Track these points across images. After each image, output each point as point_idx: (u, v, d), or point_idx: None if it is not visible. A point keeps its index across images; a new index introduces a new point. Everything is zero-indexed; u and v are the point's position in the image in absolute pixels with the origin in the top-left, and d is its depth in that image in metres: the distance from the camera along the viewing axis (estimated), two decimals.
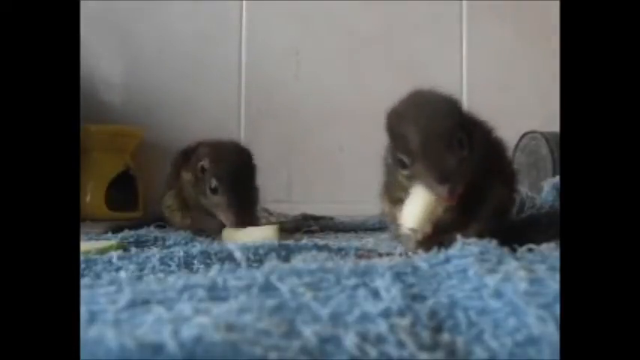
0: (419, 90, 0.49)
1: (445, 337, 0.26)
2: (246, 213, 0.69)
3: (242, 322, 0.24)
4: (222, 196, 0.67)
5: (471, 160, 0.45)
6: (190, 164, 0.72)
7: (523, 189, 0.71)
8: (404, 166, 0.47)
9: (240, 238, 0.64)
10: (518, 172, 0.98)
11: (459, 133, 0.45)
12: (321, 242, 0.57)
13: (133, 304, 0.28)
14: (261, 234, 0.64)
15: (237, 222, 0.66)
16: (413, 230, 0.47)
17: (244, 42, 1.28)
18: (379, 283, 0.30)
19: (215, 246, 0.56)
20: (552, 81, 1.28)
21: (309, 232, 0.84)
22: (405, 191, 0.48)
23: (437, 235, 0.46)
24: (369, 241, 0.69)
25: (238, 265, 0.47)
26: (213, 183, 0.67)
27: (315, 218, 0.94)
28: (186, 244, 0.62)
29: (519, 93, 1.33)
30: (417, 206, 0.47)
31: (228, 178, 0.67)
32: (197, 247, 0.53)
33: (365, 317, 0.26)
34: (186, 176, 0.72)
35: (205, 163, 0.69)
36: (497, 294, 0.29)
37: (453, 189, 0.44)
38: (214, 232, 0.69)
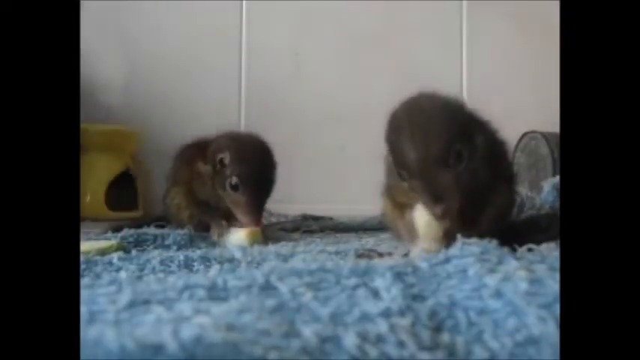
0: (418, 96, 0.48)
1: (445, 337, 0.26)
2: (262, 212, 0.69)
3: (242, 322, 0.24)
4: (243, 195, 0.66)
5: (471, 169, 0.45)
6: (208, 156, 0.70)
7: (523, 189, 0.71)
8: (403, 178, 0.46)
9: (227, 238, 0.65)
10: (518, 173, 0.98)
11: (458, 144, 0.44)
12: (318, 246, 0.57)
13: (133, 304, 0.28)
14: (238, 237, 0.65)
15: (254, 222, 0.66)
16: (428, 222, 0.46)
17: (244, 42, 1.28)
18: (379, 283, 0.30)
19: (215, 250, 0.56)
20: (552, 81, 1.28)
21: (309, 232, 0.84)
22: (406, 194, 0.48)
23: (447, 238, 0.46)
24: (368, 241, 0.69)
25: (238, 265, 0.47)
26: (234, 180, 0.66)
27: (315, 218, 0.94)
28: (185, 244, 0.62)
29: (519, 93, 1.33)
30: (424, 222, 0.47)
31: (249, 177, 0.66)
32: (197, 251, 0.53)
33: (365, 317, 0.26)
34: (203, 168, 0.70)
35: (225, 156, 0.67)
36: (497, 294, 0.29)
37: (448, 209, 0.43)
38: (219, 227, 0.69)
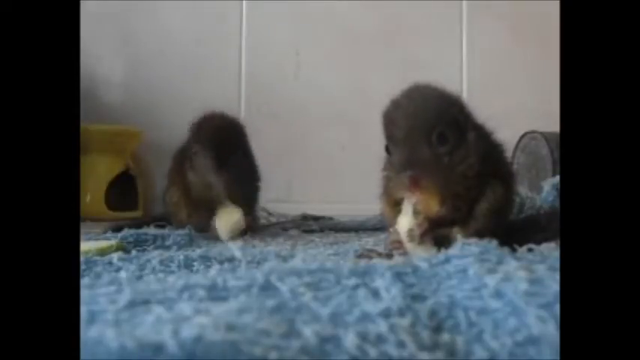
0: (420, 84, 0.50)
1: (445, 337, 0.26)
2: (223, 167, 0.69)
3: (242, 322, 0.24)
4: (201, 154, 0.68)
5: (451, 157, 0.46)
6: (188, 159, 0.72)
7: (523, 189, 0.71)
8: (388, 152, 0.49)
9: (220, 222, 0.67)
10: (518, 173, 0.98)
11: (442, 128, 0.46)
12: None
13: (133, 304, 0.28)
14: (219, 225, 0.67)
15: (212, 171, 0.67)
16: (410, 230, 0.48)
17: (244, 42, 1.28)
18: (379, 283, 0.30)
19: (215, 249, 0.56)
20: (552, 81, 1.28)
21: (309, 232, 0.85)
22: (400, 190, 0.49)
23: (433, 230, 0.48)
24: (368, 241, 0.69)
25: (238, 264, 0.47)
26: (194, 148, 0.69)
27: (315, 218, 0.94)
28: (185, 245, 0.62)
29: (519, 93, 1.33)
30: (409, 211, 0.49)
31: (205, 137, 0.69)
32: (197, 251, 0.53)
33: (365, 317, 0.26)
34: (191, 176, 0.72)
35: (191, 134, 0.71)
36: (497, 294, 0.29)
37: (415, 178, 0.45)
38: (213, 229, 0.69)
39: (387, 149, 0.49)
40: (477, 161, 0.47)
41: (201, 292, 0.29)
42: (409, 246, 0.48)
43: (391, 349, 0.24)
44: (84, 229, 0.71)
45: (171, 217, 0.77)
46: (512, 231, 0.52)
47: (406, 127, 0.46)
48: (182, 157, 0.75)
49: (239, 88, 1.28)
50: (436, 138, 0.46)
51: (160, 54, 1.25)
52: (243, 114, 1.27)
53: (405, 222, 0.49)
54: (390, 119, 0.48)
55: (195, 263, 0.49)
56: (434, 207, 0.48)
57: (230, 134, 0.71)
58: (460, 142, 0.47)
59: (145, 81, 1.24)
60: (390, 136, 0.48)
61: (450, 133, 0.47)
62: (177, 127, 1.13)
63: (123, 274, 0.40)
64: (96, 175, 1.07)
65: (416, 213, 0.48)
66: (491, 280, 0.29)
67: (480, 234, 0.39)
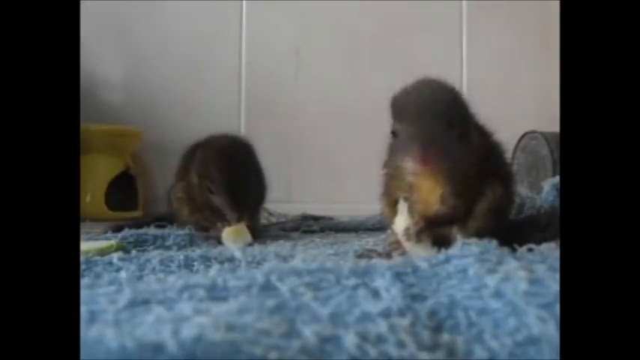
0: (429, 77, 0.50)
1: (445, 337, 0.26)
2: (249, 208, 0.71)
3: (242, 322, 0.24)
4: (219, 197, 0.69)
5: (460, 143, 0.46)
6: (193, 166, 0.73)
7: (523, 189, 0.71)
8: (395, 135, 0.48)
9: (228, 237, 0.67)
10: (518, 173, 0.98)
11: (453, 114, 0.46)
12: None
13: (133, 304, 0.28)
14: (225, 234, 0.67)
15: (236, 219, 0.68)
16: (406, 229, 0.48)
17: (244, 42, 1.28)
18: (379, 283, 0.30)
19: (215, 249, 0.56)
20: (552, 81, 1.28)
21: (309, 232, 0.85)
22: (403, 191, 0.49)
23: (432, 228, 0.48)
24: (368, 241, 0.69)
25: (238, 264, 0.47)
26: (209, 185, 0.70)
27: (315, 218, 0.94)
28: (185, 245, 0.62)
29: (519, 93, 1.33)
30: (404, 211, 0.49)
31: (219, 179, 0.69)
32: (197, 251, 0.54)
33: (365, 317, 0.26)
34: (194, 178, 0.73)
35: (200, 168, 0.71)
36: (498, 294, 0.29)
37: (425, 153, 0.44)
38: (215, 229, 0.69)
39: (394, 133, 0.48)
40: (477, 161, 0.47)
41: (201, 292, 0.29)
42: (407, 245, 0.48)
43: (391, 349, 0.24)
44: (84, 229, 0.71)
45: (175, 214, 0.77)
46: (512, 231, 0.52)
47: (418, 107, 0.46)
48: (190, 159, 0.75)
49: (239, 88, 1.28)
50: (447, 123, 0.46)
51: (161, 54, 1.25)
52: (243, 114, 1.27)
53: (401, 221, 0.49)
54: (399, 103, 0.48)
55: (195, 263, 0.49)
56: (432, 205, 0.48)
57: (244, 174, 0.72)
58: (462, 139, 0.47)
59: (146, 81, 1.24)
60: (398, 116, 0.47)
61: (456, 123, 0.46)
62: (177, 127, 1.14)
63: (123, 274, 0.40)
64: (96, 175, 1.07)
65: (412, 212, 0.48)
66: (491, 280, 0.29)
67: (480, 234, 0.39)
